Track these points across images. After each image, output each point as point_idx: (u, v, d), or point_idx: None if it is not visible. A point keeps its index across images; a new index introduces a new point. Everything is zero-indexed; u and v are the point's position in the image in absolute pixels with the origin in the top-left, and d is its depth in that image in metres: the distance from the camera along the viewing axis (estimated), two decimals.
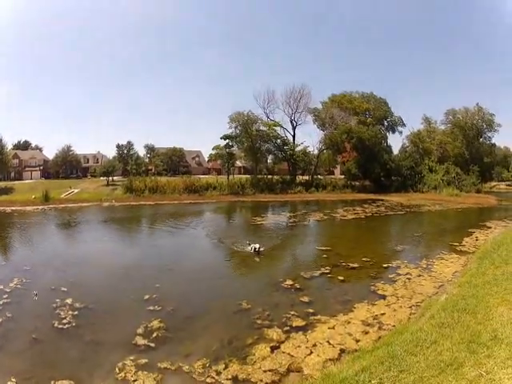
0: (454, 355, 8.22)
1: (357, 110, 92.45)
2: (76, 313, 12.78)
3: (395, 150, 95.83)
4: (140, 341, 10.88)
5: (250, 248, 23.73)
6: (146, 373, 9.14)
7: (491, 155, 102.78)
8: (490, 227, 34.28)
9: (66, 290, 15.09)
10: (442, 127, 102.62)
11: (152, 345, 10.71)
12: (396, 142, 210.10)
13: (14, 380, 8.61)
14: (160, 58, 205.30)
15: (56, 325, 11.87)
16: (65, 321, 12.13)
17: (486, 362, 7.69)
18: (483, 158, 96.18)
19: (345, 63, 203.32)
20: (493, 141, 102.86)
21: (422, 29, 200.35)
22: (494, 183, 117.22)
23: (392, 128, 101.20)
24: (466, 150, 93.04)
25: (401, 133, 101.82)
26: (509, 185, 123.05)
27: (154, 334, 11.35)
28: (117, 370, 9.25)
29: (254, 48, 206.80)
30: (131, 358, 9.80)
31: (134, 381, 8.84)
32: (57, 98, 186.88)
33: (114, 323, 12.27)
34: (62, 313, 12.74)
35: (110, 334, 11.43)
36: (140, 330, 11.52)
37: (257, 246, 23.44)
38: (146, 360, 9.75)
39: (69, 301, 13.75)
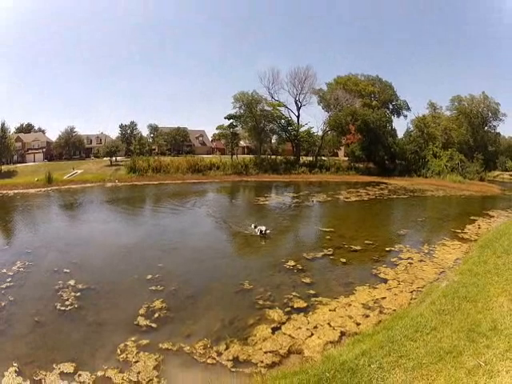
0: (453, 343, 8.39)
1: (362, 92, 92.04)
2: (78, 294, 12.89)
3: (400, 134, 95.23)
4: (142, 321, 10.98)
5: (256, 230, 23.22)
6: (147, 354, 9.24)
7: (495, 144, 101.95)
8: (492, 216, 34.16)
9: (68, 271, 15.22)
10: (447, 113, 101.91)
11: (154, 325, 10.82)
12: (401, 126, 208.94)
13: (15, 365, 8.70)
14: (161, 44, 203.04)
15: (58, 307, 11.97)
16: (67, 302, 12.23)
17: (484, 352, 7.85)
18: (487, 147, 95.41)
19: (353, 47, 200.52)
20: (497, 130, 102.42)
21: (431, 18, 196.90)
22: (497, 172, 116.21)
23: (397, 112, 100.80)
24: (471, 138, 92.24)
25: (406, 117, 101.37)
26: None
27: (156, 315, 11.46)
28: (118, 351, 9.36)
29: (259, 30, 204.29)
30: (133, 338, 9.91)
31: (136, 362, 8.93)
32: (60, 84, 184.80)
33: (116, 304, 12.38)
34: (64, 294, 12.84)
35: (113, 314, 11.52)
36: (142, 311, 11.64)
37: (263, 228, 22.86)
38: (148, 341, 9.86)
39: (71, 282, 13.87)
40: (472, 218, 31.43)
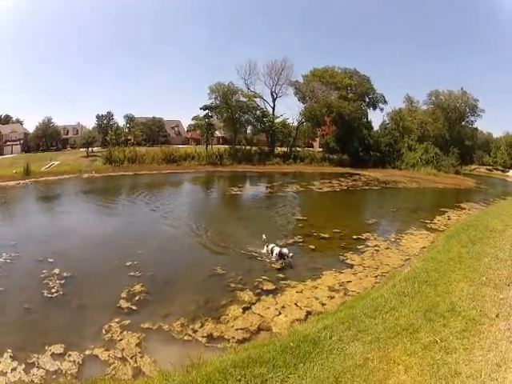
0: (410, 321, 8.96)
1: (338, 84, 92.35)
2: (63, 281, 13.46)
3: (375, 126, 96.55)
4: (124, 304, 11.73)
5: (268, 251, 17.10)
6: (130, 332, 10.01)
7: (472, 139, 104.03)
8: (464, 208, 34.95)
9: (52, 260, 15.70)
10: (424, 107, 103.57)
11: (134, 307, 11.56)
12: (377, 119, 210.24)
13: (9, 350, 9.21)
14: (138, 34, 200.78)
15: (46, 294, 12.52)
16: (53, 290, 12.79)
17: (441, 331, 8.38)
18: (464, 141, 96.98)
19: (333, 40, 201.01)
20: (475, 125, 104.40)
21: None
22: (474, 166, 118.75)
23: (373, 104, 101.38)
24: (447, 132, 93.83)
25: (382, 110, 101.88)
26: (489, 169, 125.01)
27: (136, 298, 12.22)
28: (103, 331, 10.09)
29: (238, 21, 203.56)
30: (116, 320, 10.64)
31: (120, 340, 9.69)
32: (37, 72, 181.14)
33: (99, 289, 13.04)
34: (50, 282, 13.38)
35: (97, 299, 12.19)
36: (123, 294, 12.36)
37: (285, 250, 16.31)
38: (130, 321, 10.62)
39: (56, 271, 14.38)
40: (442, 209, 32.31)
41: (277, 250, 16.50)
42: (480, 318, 8.90)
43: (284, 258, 16.04)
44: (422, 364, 7.06)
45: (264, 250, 17.32)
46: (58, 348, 9.28)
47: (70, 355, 9.03)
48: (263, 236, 18.39)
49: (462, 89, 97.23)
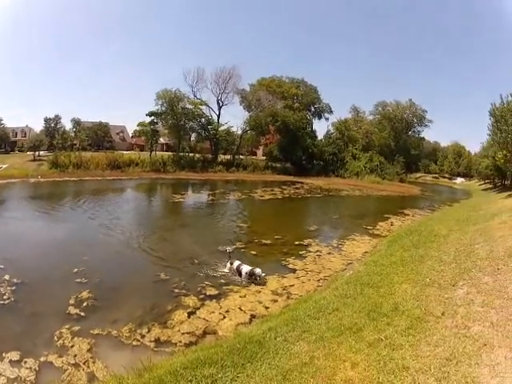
0: (354, 321, 9.25)
1: (285, 94, 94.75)
2: (14, 288, 13.35)
3: (320, 136, 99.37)
4: (73, 310, 11.84)
5: (233, 269, 15.53)
6: (81, 338, 10.19)
7: (418, 148, 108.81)
8: (407, 214, 36.25)
9: (2, 267, 15.46)
10: (371, 117, 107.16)
11: (83, 314, 11.70)
12: (323, 129, 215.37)
13: None
14: (85, 38, 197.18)
15: None
16: (5, 297, 12.69)
17: (385, 329, 8.60)
18: (410, 150, 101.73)
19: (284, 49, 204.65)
20: (422, 135, 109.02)
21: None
22: (419, 174, 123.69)
23: (319, 114, 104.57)
24: (393, 141, 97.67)
25: (327, 119, 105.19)
26: (435, 177, 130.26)
27: (85, 304, 12.34)
28: (55, 338, 10.24)
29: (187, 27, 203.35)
30: (67, 326, 10.78)
31: (72, 346, 9.87)
32: None
33: (49, 296, 13.06)
34: (1, 289, 13.25)
35: (47, 305, 12.21)
36: (72, 301, 12.45)
37: (258, 270, 14.76)
38: (80, 327, 10.77)
39: (6, 277, 14.21)
40: (386, 215, 33.67)
41: (246, 268, 14.85)
42: (425, 317, 8.94)
43: (256, 279, 14.61)
44: (368, 360, 7.24)
45: (227, 269, 15.73)
46: (14, 355, 9.36)
47: (26, 362, 9.14)
48: (227, 249, 17.15)
49: (410, 100, 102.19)
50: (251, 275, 14.64)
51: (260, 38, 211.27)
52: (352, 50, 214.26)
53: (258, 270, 14.67)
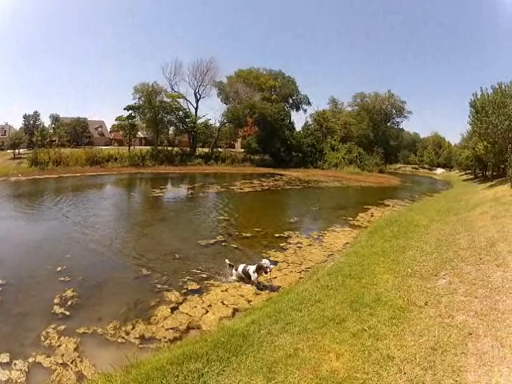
0: (336, 312, 9.33)
1: (262, 86, 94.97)
2: (0, 289, 13.30)
3: (298, 127, 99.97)
4: (57, 310, 11.87)
5: (239, 274, 14.37)
6: (67, 338, 10.26)
7: (398, 139, 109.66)
8: (387, 205, 36.57)
9: None
10: (349, 109, 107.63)
11: (67, 313, 11.72)
12: (301, 120, 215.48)
13: None
14: (63, 33, 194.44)
15: None
16: None
17: (368, 320, 8.70)
18: (389, 141, 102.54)
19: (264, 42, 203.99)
20: (402, 126, 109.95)
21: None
22: (399, 165, 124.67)
23: (297, 106, 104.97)
24: (372, 133, 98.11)
25: (305, 111, 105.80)
26: (415, 167, 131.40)
27: (69, 303, 12.36)
28: (42, 338, 10.29)
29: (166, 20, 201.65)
30: (52, 326, 10.84)
31: (59, 346, 9.94)
32: None
33: (34, 296, 13.00)
34: None
35: (32, 305, 12.21)
36: (56, 300, 12.47)
37: (264, 261, 13.76)
38: (65, 326, 10.83)
39: None
40: (366, 207, 34.00)
41: (252, 267, 13.83)
42: (408, 307, 9.30)
43: (266, 272, 13.59)
44: (352, 351, 7.35)
45: (234, 277, 14.54)
46: (4, 357, 9.39)
47: (15, 364, 9.18)
48: (226, 261, 15.53)
49: (389, 91, 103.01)
50: (259, 269, 13.61)
51: (237, 32, 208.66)
52: (327, 46, 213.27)
53: (264, 261, 13.68)
